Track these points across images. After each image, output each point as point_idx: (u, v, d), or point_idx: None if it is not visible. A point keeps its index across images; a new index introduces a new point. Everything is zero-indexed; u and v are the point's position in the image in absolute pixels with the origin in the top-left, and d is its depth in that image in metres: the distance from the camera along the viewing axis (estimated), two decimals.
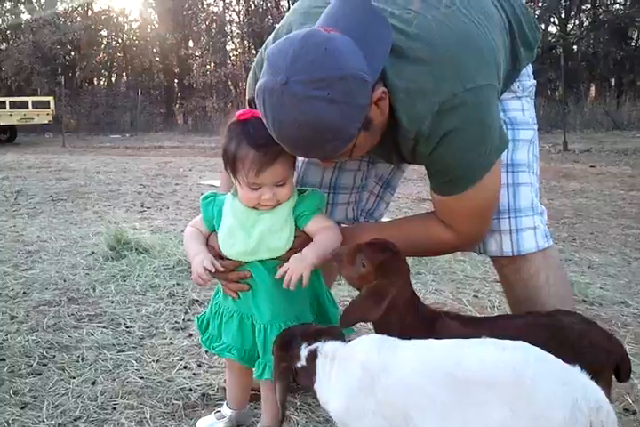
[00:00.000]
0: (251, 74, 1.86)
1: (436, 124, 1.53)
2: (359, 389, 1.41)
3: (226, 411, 2.01)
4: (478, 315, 3.03)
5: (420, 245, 1.81)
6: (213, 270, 1.70)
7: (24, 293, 3.41)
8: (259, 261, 1.74)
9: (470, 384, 1.29)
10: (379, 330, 1.61)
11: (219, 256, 1.79)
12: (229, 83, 27.29)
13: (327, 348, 1.51)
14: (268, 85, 1.41)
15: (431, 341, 1.44)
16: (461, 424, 1.29)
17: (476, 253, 1.97)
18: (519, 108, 1.89)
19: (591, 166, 9.65)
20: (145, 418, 2.09)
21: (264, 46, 1.77)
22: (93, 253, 4.20)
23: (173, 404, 2.19)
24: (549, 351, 1.35)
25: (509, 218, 1.84)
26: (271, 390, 1.83)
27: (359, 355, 1.45)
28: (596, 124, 17.37)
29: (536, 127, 1.94)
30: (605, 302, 3.25)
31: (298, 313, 1.79)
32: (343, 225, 2.05)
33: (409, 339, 1.47)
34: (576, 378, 1.31)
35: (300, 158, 2.13)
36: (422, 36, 1.53)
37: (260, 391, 1.90)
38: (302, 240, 1.74)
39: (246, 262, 1.76)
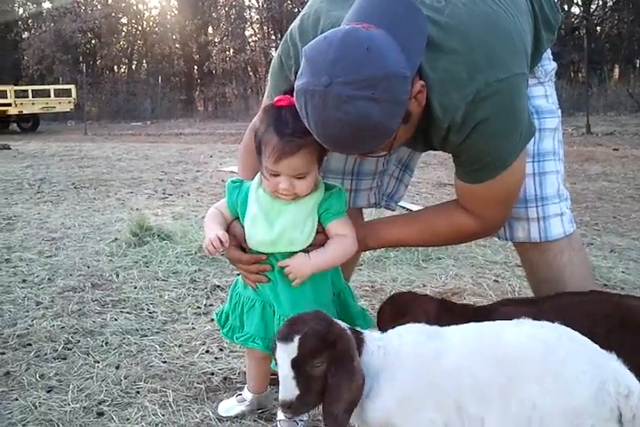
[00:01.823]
0: (275, 61, 1.84)
1: (469, 114, 1.53)
2: (414, 379, 1.42)
3: (247, 395, 2.04)
4: (499, 300, 3.03)
5: (443, 234, 1.83)
6: (226, 244, 1.71)
7: (49, 279, 3.47)
8: (280, 254, 1.74)
9: (507, 361, 1.33)
10: None
11: (239, 246, 1.80)
12: (249, 69, 27.24)
13: (370, 339, 1.51)
14: (310, 87, 1.40)
15: (473, 324, 1.48)
16: (502, 403, 1.31)
17: (496, 238, 1.98)
18: (543, 94, 1.88)
19: (614, 149, 9.53)
20: (168, 401, 2.12)
21: (289, 33, 1.75)
22: (116, 239, 4.24)
23: (196, 387, 2.22)
24: (612, 328, 1.37)
25: (537, 207, 1.86)
26: None
27: (409, 345, 1.47)
28: (620, 107, 17.13)
29: (560, 113, 1.95)
30: (627, 286, 3.23)
31: (320, 306, 1.79)
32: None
33: None
34: (608, 362, 1.33)
35: None
36: (454, 26, 1.53)
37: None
38: (324, 238, 1.75)
39: (269, 254, 1.76)
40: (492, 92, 1.52)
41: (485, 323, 1.47)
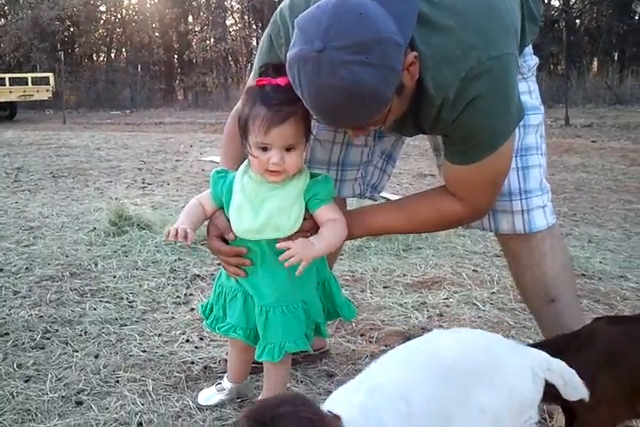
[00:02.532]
0: (264, 42, 1.81)
1: (462, 91, 1.53)
2: None
3: (226, 384, 2.04)
4: (478, 289, 3.05)
5: (429, 221, 1.82)
6: (180, 238, 1.66)
7: (26, 268, 3.43)
8: (266, 241, 1.73)
9: (452, 376, 1.27)
10: None
11: (221, 237, 1.79)
12: (229, 58, 27.07)
13: None
14: (303, 54, 1.39)
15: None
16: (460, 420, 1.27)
17: (478, 230, 1.99)
18: (526, 90, 1.90)
19: (592, 141, 9.61)
20: (148, 390, 2.12)
21: (278, 13, 1.73)
22: (95, 229, 4.21)
23: (175, 376, 2.22)
24: None
25: (521, 200, 1.89)
26: (273, 368, 1.86)
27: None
28: (598, 99, 17.26)
29: (542, 108, 1.97)
30: (605, 276, 3.27)
31: (305, 297, 1.80)
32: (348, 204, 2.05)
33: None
34: (523, 347, 1.37)
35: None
36: (447, 4, 1.53)
37: (261, 364, 1.92)
38: (311, 224, 1.74)
39: (255, 242, 1.75)
40: (485, 70, 1.52)
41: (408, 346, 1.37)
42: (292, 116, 1.61)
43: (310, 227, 1.74)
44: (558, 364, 1.37)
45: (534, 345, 1.73)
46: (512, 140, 1.69)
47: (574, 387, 1.38)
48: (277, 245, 1.68)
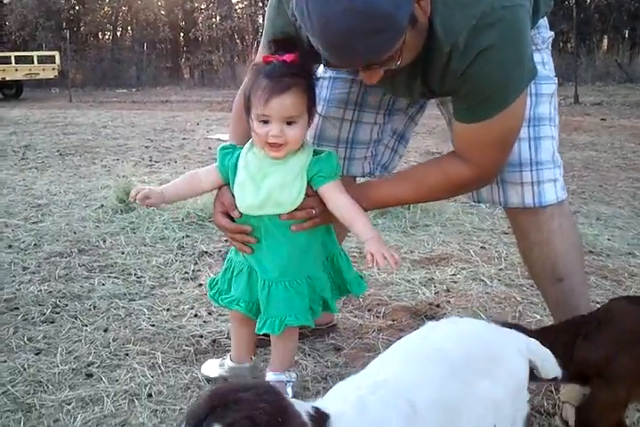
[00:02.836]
0: (271, 5, 1.79)
1: (472, 40, 1.50)
2: None
3: (228, 362, 2.03)
4: (485, 266, 3.05)
5: (438, 187, 1.80)
6: (138, 200, 1.74)
7: (35, 244, 3.45)
8: (268, 217, 1.74)
9: (457, 369, 1.25)
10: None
11: (226, 213, 1.80)
12: (235, 36, 26.92)
13: None
14: None
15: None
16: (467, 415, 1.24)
17: (484, 206, 1.98)
18: (540, 61, 1.86)
19: (602, 119, 9.55)
20: (157, 363, 2.14)
21: None
22: (102, 206, 4.22)
23: (184, 350, 2.24)
24: None
25: (531, 171, 1.85)
26: (279, 341, 1.88)
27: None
28: (608, 77, 17.11)
29: (556, 80, 1.93)
30: (613, 253, 3.26)
31: (310, 272, 1.80)
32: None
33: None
34: (507, 330, 1.39)
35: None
36: None
37: (269, 337, 1.93)
38: (313, 201, 1.74)
39: (257, 217, 1.75)
40: (498, 19, 1.49)
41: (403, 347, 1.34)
42: (294, 87, 1.61)
43: (314, 204, 1.73)
44: (535, 344, 1.38)
45: (549, 328, 1.74)
46: (523, 98, 1.65)
47: (551, 366, 1.40)
48: (282, 216, 1.70)
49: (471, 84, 1.57)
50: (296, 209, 1.72)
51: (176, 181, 1.85)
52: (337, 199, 1.72)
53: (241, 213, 1.76)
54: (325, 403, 1.12)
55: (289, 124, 1.64)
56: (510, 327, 1.51)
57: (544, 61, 1.89)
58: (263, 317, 1.80)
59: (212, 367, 2.06)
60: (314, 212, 1.74)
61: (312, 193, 1.73)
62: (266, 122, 1.64)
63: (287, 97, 1.61)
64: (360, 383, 1.19)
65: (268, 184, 1.70)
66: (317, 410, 1.05)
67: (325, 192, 1.73)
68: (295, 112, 1.64)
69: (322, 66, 2.11)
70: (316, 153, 1.76)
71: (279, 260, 1.76)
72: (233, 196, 1.77)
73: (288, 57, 1.61)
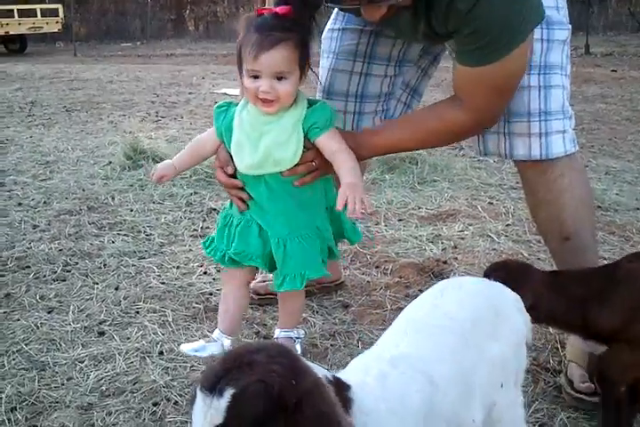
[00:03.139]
0: None
1: None
2: None
3: (218, 334, 1.90)
4: (493, 222, 3.06)
5: (436, 131, 1.79)
6: (156, 180, 1.81)
7: (44, 202, 3.47)
8: (268, 176, 1.73)
9: (468, 333, 1.25)
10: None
11: (221, 169, 1.80)
12: None
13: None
14: None
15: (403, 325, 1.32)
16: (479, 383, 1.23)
17: (492, 161, 1.96)
18: (553, 5, 1.81)
19: (612, 70, 9.38)
20: (167, 321, 2.17)
21: None
22: (110, 162, 4.22)
23: (194, 307, 2.27)
24: None
25: (539, 121, 1.81)
26: (290, 298, 1.89)
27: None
28: (620, 27, 16.76)
29: (570, 26, 1.87)
30: (621, 208, 3.26)
31: (318, 223, 1.80)
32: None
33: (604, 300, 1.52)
34: (502, 286, 1.40)
35: (325, 65, 2.08)
36: None
37: (272, 295, 1.94)
38: (311, 154, 1.73)
39: (258, 176, 1.74)
40: None
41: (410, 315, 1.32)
42: (283, 41, 1.59)
43: (313, 156, 1.73)
44: (513, 296, 1.39)
45: (560, 276, 1.70)
46: (528, 43, 1.62)
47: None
48: (284, 173, 1.70)
49: (475, 24, 1.54)
50: (296, 164, 1.72)
51: (183, 151, 1.85)
52: (332, 147, 1.72)
53: (235, 170, 1.77)
54: (347, 374, 1.11)
55: (279, 79, 1.63)
56: (523, 268, 1.52)
57: (558, 6, 1.82)
58: (280, 273, 1.79)
59: (199, 346, 1.89)
60: (314, 164, 1.74)
61: (310, 145, 1.73)
62: (256, 77, 1.63)
63: (276, 52, 1.60)
64: (380, 356, 1.18)
65: (265, 143, 1.70)
66: (338, 379, 1.04)
67: (321, 143, 1.72)
68: (285, 68, 1.62)
69: (331, 18, 2.08)
70: (309, 103, 1.74)
71: (287, 216, 1.77)
72: (229, 152, 1.76)
73: (281, 9, 1.60)
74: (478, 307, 1.31)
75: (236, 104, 1.78)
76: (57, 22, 18.04)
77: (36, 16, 17.97)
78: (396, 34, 1.92)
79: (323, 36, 2.11)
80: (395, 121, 2.01)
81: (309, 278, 1.80)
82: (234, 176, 1.80)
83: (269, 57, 1.59)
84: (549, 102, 1.81)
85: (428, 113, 1.84)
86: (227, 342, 1.87)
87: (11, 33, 17.34)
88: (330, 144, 1.72)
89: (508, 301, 1.36)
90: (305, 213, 1.78)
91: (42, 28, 17.87)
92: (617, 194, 3.47)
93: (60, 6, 18.47)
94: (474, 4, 1.50)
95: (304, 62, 1.66)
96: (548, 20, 1.76)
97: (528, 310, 1.41)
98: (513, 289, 1.44)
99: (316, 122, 1.71)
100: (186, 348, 1.89)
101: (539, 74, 1.78)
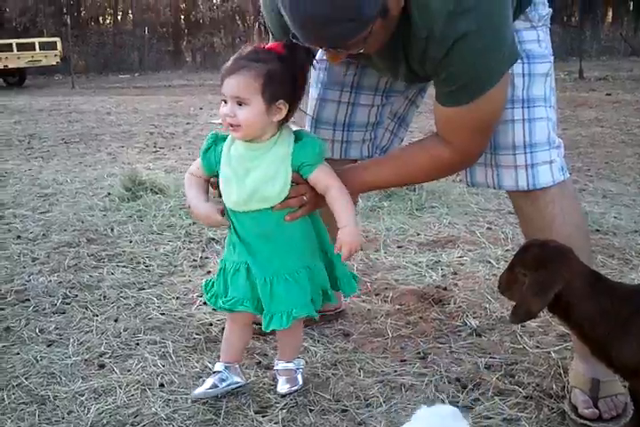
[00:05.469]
0: None
1: (448, 27, 1.50)
2: None
3: (220, 367, 1.90)
4: (492, 247, 3.06)
5: (419, 168, 1.81)
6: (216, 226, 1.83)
7: (43, 235, 3.47)
8: (257, 212, 1.72)
9: None
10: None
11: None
12: (237, 17, 26.68)
13: None
14: None
15: None
16: None
17: (482, 187, 1.97)
18: (535, 39, 1.84)
19: (607, 94, 9.46)
20: (168, 352, 2.16)
21: None
22: (109, 194, 4.23)
23: (195, 338, 2.26)
24: None
25: (525, 153, 1.82)
26: (286, 334, 1.88)
27: None
28: (613, 51, 16.97)
29: (552, 58, 1.89)
30: (619, 231, 3.26)
31: (308, 263, 1.79)
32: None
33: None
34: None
35: (313, 95, 2.11)
36: None
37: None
38: (303, 188, 1.73)
39: (247, 213, 1.74)
40: (475, 4, 1.49)
41: None
42: (245, 68, 1.62)
43: (304, 190, 1.73)
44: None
45: (606, 279, 1.60)
46: (504, 83, 1.65)
47: None
48: (275, 206, 1.71)
49: (449, 70, 1.58)
50: (286, 198, 1.72)
51: (192, 186, 1.83)
52: (325, 182, 1.73)
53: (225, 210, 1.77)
54: None
55: (240, 104, 1.65)
56: (564, 250, 1.53)
57: (539, 39, 1.84)
58: (268, 313, 1.77)
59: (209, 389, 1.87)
60: (305, 198, 1.74)
61: (300, 180, 1.73)
62: (225, 102, 1.67)
63: (235, 77, 1.64)
64: None
65: (252, 179, 1.70)
66: None
67: (315, 179, 1.73)
68: (242, 93, 1.64)
69: (320, 49, 2.11)
70: (297, 136, 1.75)
71: (274, 253, 1.75)
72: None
73: (271, 45, 1.66)
74: None
75: (223, 139, 1.79)
76: (55, 55, 18.19)
77: (35, 49, 18.13)
78: (379, 73, 1.96)
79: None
80: (381, 158, 2.05)
81: (296, 317, 1.78)
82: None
83: (230, 81, 1.65)
84: (534, 135, 1.82)
85: (413, 150, 1.86)
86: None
87: (10, 66, 17.47)
88: (323, 179, 1.73)
89: None
90: (294, 252, 1.77)
91: (40, 61, 18.01)
92: (615, 217, 3.48)
93: (58, 39, 18.64)
94: (446, 53, 1.54)
95: (271, 94, 1.65)
96: (529, 54, 1.79)
97: (546, 293, 1.43)
98: (544, 266, 1.46)
99: (306, 159, 1.71)
100: (199, 391, 1.85)
101: (522, 108, 1.80)
